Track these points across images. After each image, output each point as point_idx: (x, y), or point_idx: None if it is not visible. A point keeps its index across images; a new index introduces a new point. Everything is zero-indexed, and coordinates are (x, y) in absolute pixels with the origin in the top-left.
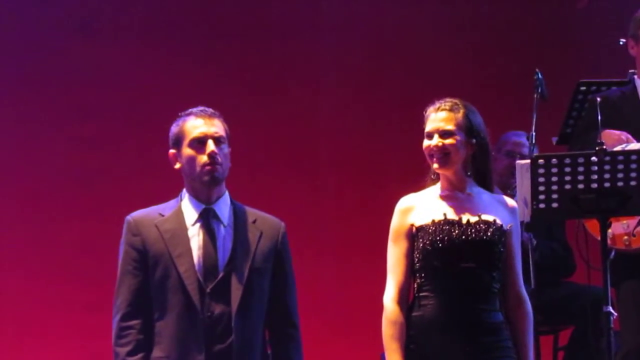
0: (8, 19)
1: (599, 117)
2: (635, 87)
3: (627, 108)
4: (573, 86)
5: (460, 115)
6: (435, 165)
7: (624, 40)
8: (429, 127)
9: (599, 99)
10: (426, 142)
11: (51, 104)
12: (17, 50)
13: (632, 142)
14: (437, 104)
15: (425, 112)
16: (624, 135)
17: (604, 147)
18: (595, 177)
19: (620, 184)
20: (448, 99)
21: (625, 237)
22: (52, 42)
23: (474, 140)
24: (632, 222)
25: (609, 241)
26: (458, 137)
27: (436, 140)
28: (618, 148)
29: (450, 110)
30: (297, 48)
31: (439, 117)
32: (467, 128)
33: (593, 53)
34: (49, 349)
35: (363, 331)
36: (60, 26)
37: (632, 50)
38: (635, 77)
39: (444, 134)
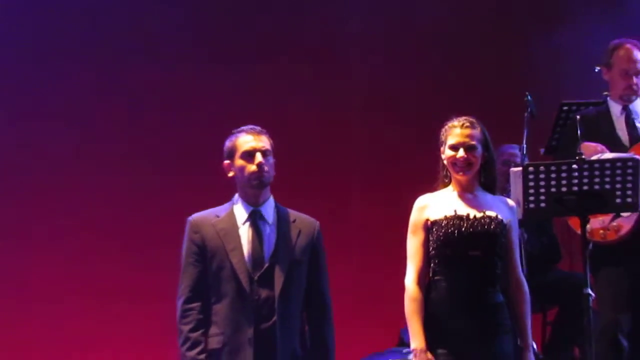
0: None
1: (579, 132)
2: (608, 107)
3: (602, 124)
4: (557, 106)
5: (478, 131)
6: (460, 173)
7: (599, 67)
8: (453, 140)
9: (578, 117)
10: (450, 153)
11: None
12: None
13: (606, 152)
14: (459, 121)
15: (446, 126)
16: (599, 147)
17: (583, 156)
18: (576, 181)
19: (597, 187)
20: (465, 117)
21: (602, 231)
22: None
23: (486, 153)
24: (607, 218)
25: (587, 235)
26: (478, 150)
27: (462, 153)
28: (595, 157)
29: (472, 127)
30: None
31: (464, 133)
32: (483, 143)
33: (574, 78)
34: None
35: (383, 312)
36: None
37: (605, 76)
38: (609, 98)
39: (469, 148)
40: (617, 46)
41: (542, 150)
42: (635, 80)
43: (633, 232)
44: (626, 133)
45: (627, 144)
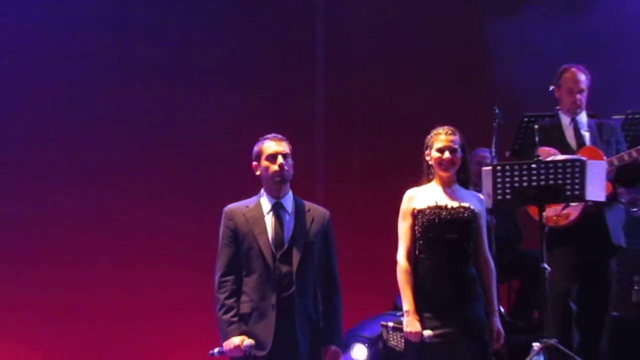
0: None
1: (537, 139)
2: (560, 118)
3: (555, 132)
4: (519, 117)
5: (458, 138)
6: (445, 171)
7: (552, 87)
8: (440, 144)
9: (536, 126)
10: (437, 154)
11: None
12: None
13: (558, 155)
14: (443, 129)
15: (432, 133)
16: (552, 150)
17: (540, 158)
18: (535, 178)
19: (551, 182)
20: (447, 126)
21: (555, 218)
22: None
23: (463, 155)
24: (559, 207)
25: (544, 220)
26: (459, 153)
27: (447, 154)
28: (549, 159)
29: (454, 134)
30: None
31: (448, 139)
32: (461, 147)
33: (532, 95)
34: None
35: (378, 284)
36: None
37: (557, 94)
38: (560, 111)
39: (452, 150)
40: (565, 69)
41: (507, 153)
42: (579, 97)
43: (579, 218)
44: (574, 139)
45: (574, 148)
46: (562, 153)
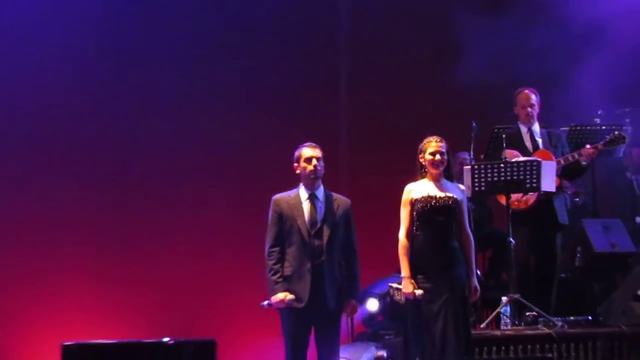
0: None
1: (504, 144)
2: (519, 128)
3: (516, 139)
4: (492, 128)
5: (445, 144)
6: (436, 169)
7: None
8: (432, 149)
9: (504, 135)
10: (430, 157)
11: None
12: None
13: (520, 157)
14: (434, 138)
15: (425, 141)
16: (515, 152)
17: (506, 158)
18: (502, 174)
19: (515, 177)
20: (436, 136)
21: (516, 203)
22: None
23: (448, 157)
24: (519, 195)
25: (511, 205)
26: (446, 155)
27: (439, 157)
28: (513, 160)
29: (442, 141)
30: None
31: (438, 145)
32: (447, 151)
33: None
34: None
35: (385, 254)
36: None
37: (515, 110)
38: (519, 123)
39: (442, 154)
40: (519, 91)
41: (482, 156)
42: (530, 110)
43: (535, 203)
44: (530, 144)
45: (531, 151)
46: (522, 155)
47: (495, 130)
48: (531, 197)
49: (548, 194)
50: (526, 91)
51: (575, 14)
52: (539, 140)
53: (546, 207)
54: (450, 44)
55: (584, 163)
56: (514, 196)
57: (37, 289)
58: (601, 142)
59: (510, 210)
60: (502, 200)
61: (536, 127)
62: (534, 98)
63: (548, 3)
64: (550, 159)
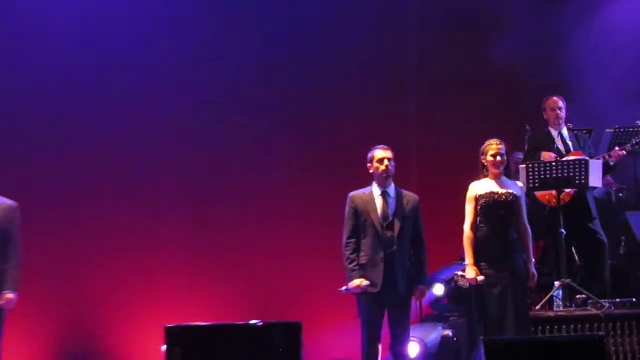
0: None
1: (538, 147)
2: (550, 132)
3: (548, 142)
4: (525, 132)
5: (504, 147)
6: (497, 169)
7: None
8: (493, 152)
9: (537, 138)
10: (491, 158)
11: None
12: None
13: (554, 157)
14: (495, 141)
15: (486, 144)
16: (551, 154)
17: (543, 159)
18: (554, 172)
19: (565, 174)
20: (496, 139)
21: (554, 200)
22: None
23: (507, 158)
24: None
25: (550, 202)
26: (505, 157)
27: (499, 158)
28: (564, 159)
29: (501, 144)
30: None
31: (498, 148)
32: (506, 152)
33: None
34: None
35: (451, 244)
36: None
37: (545, 115)
38: (550, 128)
39: (502, 155)
40: (548, 98)
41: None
42: (559, 113)
43: (571, 199)
44: (562, 147)
45: (564, 152)
46: (557, 157)
47: (529, 135)
48: (567, 195)
49: (581, 190)
50: (554, 97)
51: None
52: (570, 143)
53: (581, 202)
54: (507, 59)
55: (612, 163)
56: (552, 194)
57: (140, 276)
58: (629, 145)
59: (548, 208)
60: (543, 199)
61: (565, 131)
62: (561, 103)
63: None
64: None
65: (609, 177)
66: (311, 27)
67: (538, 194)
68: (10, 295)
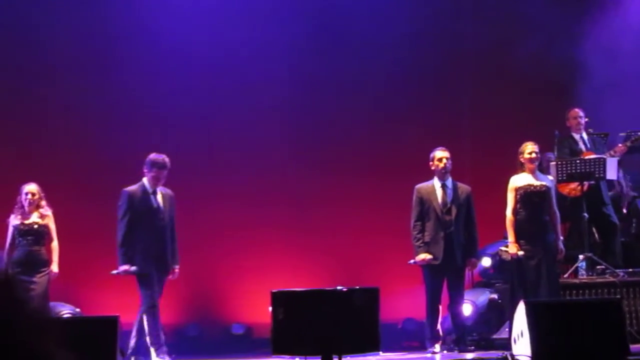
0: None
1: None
2: (573, 135)
3: (572, 144)
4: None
5: (537, 147)
6: (533, 164)
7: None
8: (529, 150)
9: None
10: (528, 156)
11: None
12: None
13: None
14: (530, 143)
15: (523, 145)
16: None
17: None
18: (578, 167)
19: (587, 170)
20: (531, 141)
21: (573, 191)
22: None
23: (540, 155)
24: (576, 184)
25: (569, 194)
26: (539, 155)
27: (535, 155)
28: (586, 157)
29: (536, 145)
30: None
31: (534, 148)
32: (539, 151)
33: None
34: None
35: (497, 224)
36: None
37: (568, 123)
38: (572, 132)
39: (537, 153)
40: (571, 109)
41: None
42: (580, 121)
43: (587, 190)
44: (583, 147)
45: (583, 151)
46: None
47: (557, 139)
48: (584, 186)
49: (596, 182)
50: (576, 109)
51: None
52: (587, 145)
53: (596, 191)
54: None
55: (617, 158)
56: (572, 185)
57: (252, 250)
58: (628, 141)
59: (569, 199)
60: (561, 189)
61: (584, 135)
62: (581, 113)
63: None
64: None
65: (620, 173)
66: (390, 39)
67: (560, 188)
68: (177, 269)
